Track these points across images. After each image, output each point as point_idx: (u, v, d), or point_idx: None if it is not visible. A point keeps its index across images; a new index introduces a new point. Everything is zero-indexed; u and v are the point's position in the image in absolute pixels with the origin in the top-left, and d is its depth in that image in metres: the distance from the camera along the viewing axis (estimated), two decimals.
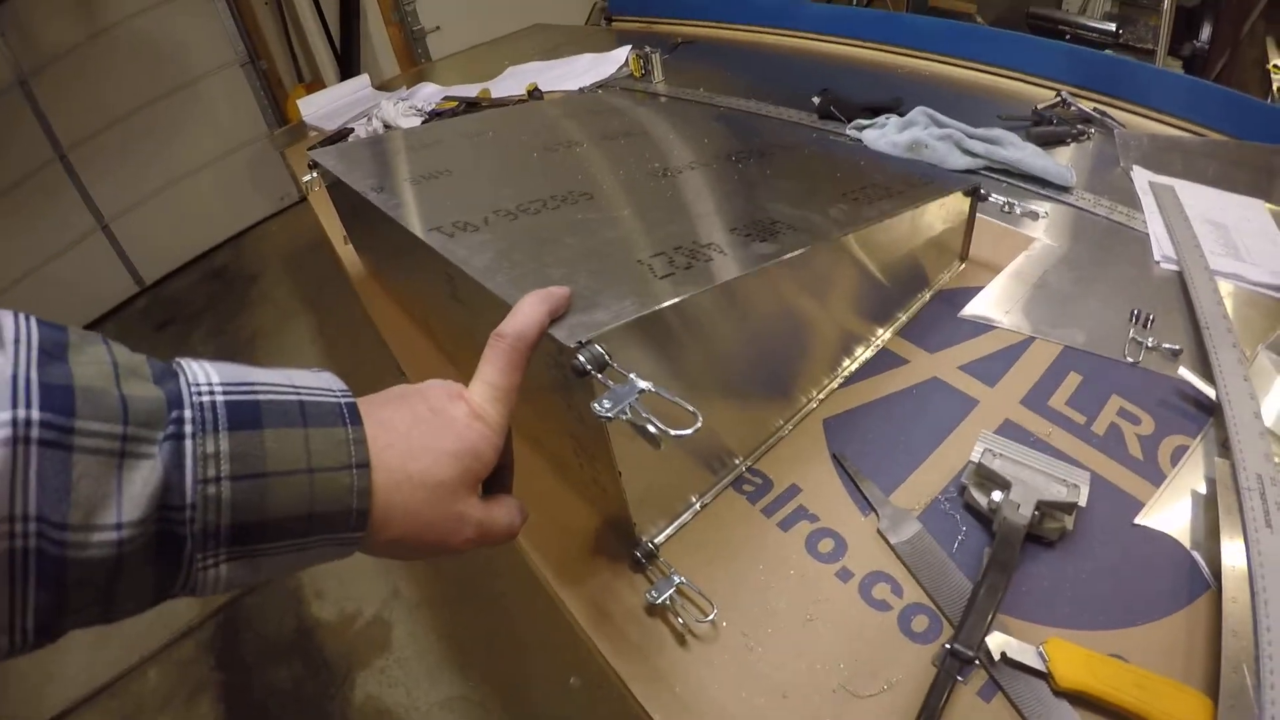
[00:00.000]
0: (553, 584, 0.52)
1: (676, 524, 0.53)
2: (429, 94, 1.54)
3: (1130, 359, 0.62)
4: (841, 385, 0.64)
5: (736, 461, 0.57)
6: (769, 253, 0.51)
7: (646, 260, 0.50)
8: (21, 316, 0.25)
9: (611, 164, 0.72)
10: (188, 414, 0.26)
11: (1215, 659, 0.41)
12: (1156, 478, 0.53)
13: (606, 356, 0.40)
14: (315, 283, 2.57)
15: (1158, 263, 0.74)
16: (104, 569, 0.24)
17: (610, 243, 0.54)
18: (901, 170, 0.75)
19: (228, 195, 2.88)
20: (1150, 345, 0.63)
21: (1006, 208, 0.74)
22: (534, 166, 0.73)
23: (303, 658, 1.42)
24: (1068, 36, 1.62)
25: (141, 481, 0.24)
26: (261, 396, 0.28)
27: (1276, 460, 0.49)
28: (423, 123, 1.34)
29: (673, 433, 0.37)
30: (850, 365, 0.65)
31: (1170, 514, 0.50)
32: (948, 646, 0.42)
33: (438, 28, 2.80)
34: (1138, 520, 0.50)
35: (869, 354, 0.66)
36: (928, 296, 0.73)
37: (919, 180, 0.70)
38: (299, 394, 0.29)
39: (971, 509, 0.52)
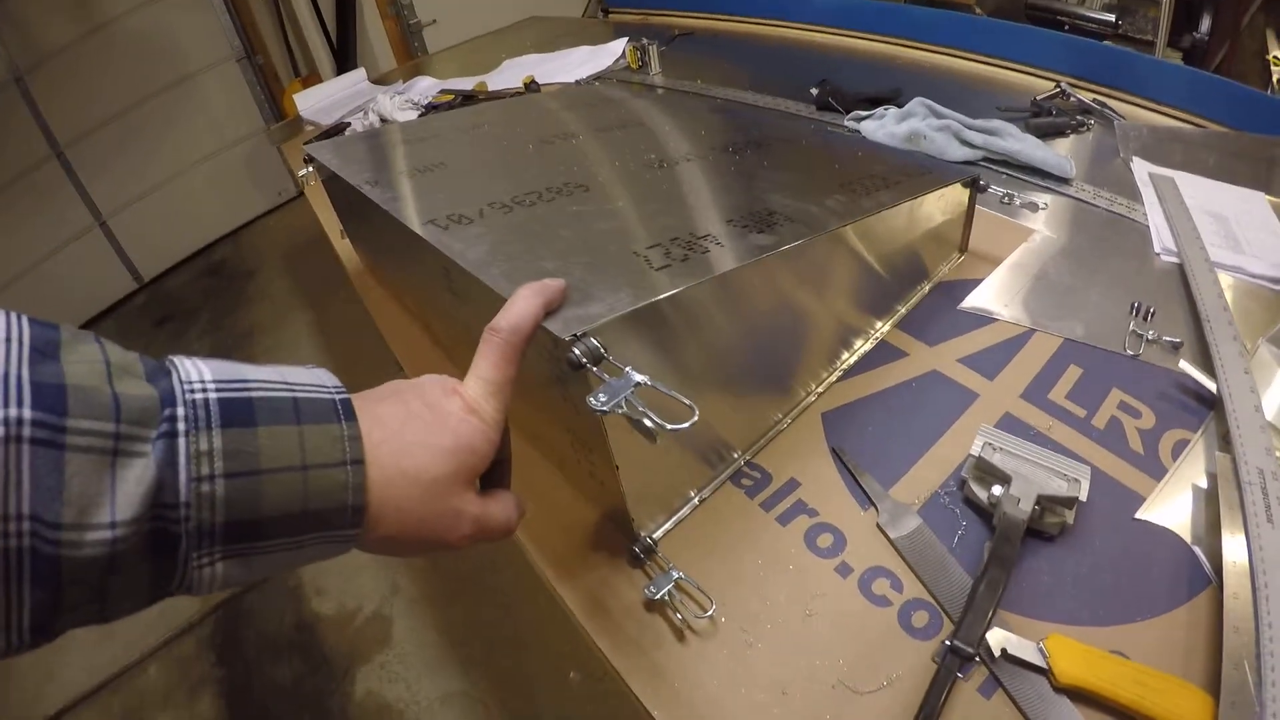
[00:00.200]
0: (551, 579, 0.52)
1: (675, 518, 0.53)
2: (425, 87, 1.53)
3: (1131, 352, 0.62)
4: (840, 378, 0.63)
5: (735, 455, 0.57)
6: (767, 244, 0.51)
7: (643, 252, 0.49)
8: (13, 315, 0.24)
9: (608, 156, 0.72)
10: (181, 411, 0.26)
11: (1216, 655, 0.40)
12: (1157, 472, 0.52)
13: (602, 350, 0.40)
14: (313, 278, 2.57)
15: (1158, 255, 0.73)
16: (98, 568, 0.24)
17: (606, 234, 0.53)
18: (900, 161, 0.74)
19: (225, 191, 2.87)
20: (1151, 338, 0.63)
21: (1006, 199, 0.73)
22: (530, 159, 0.73)
23: (303, 653, 1.42)
24: (1066, 27, 1.61)
25: (135, 480, 0.24)
26: (255, 393, 0.28)
27: (1278, 454, 0.48)
28: (419, 116, 1.33)
29: (669, 427, 0.37)
30: (849, 358, 0.65)
31: (1171, 508, 0.50)
32: (948, 643, 0.42)
33: (434, 21, 2.79)
34: (1138, 515, 0.50)
35: (868, 347, 0.66)
36: (927, 288, 0.73)
37: (918, 171, 0.70)
38: (293, 390, 0.29)
39: (971, 503, 0.51)
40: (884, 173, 0.68)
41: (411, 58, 2.75)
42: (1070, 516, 0.48)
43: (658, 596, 0.47)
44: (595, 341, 0.39)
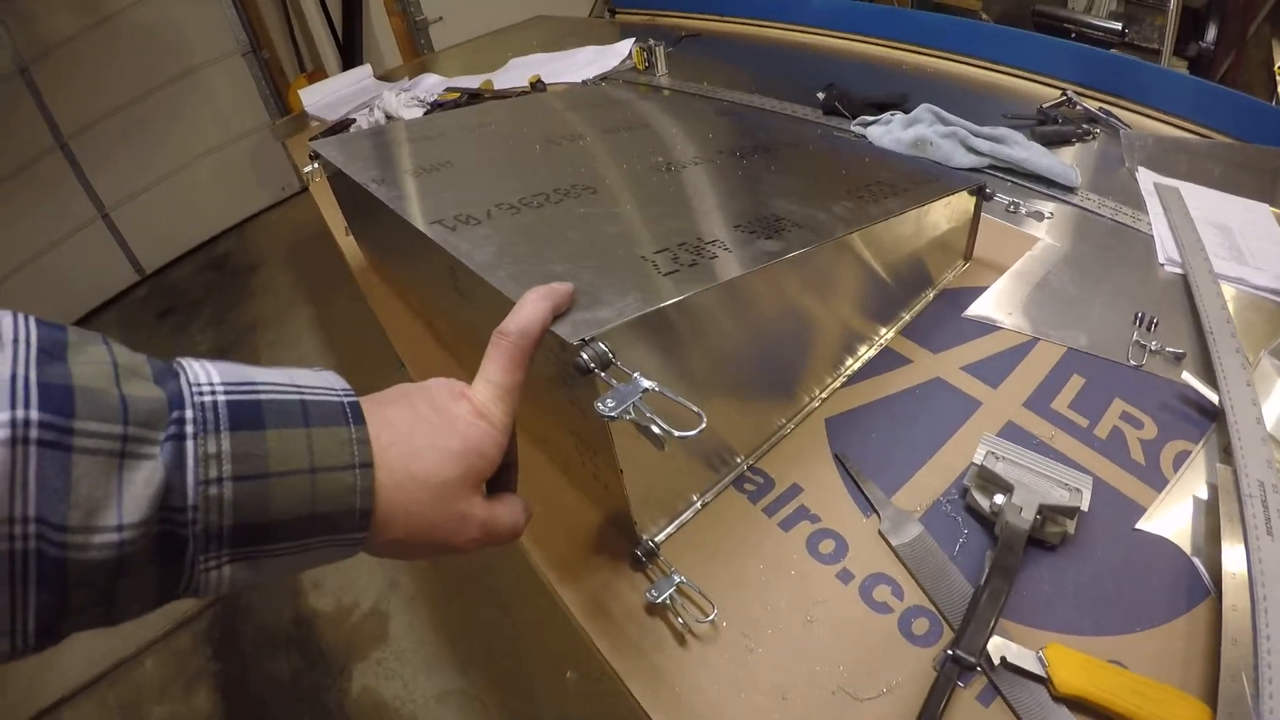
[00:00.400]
0: (552, 580, 0.52)
1: (677, 522, 0.53)
2: (431, 85, 1.53)
3: (1133, 362, 0.62)
4: (844, 384, 0.63)
5: (738, 460, 0.57)
6: (774, 250, 0.51)
7: (650, 257, 0.49)
8: (20, 316, 0.24)
9: (615, 158, 0.72)
10: (189, 414, 0.26)
11: (1214, 666, 0.41)
12: (1158, 483, 0.52)
13: (610, 354, 0.40)
14: (316, 274, 2.57)
15: (1162, 265, 0.74)
16: (105, 570, 0.24)
17: (613, 238, 0.53)
18: (907, 168, 0.74)
19: (229, 185, 2.87)
20: (1154, 349, 0.63)
21: (1012, 207, 0.73)
22: (536, 159, 0.73)
23: (300, 649, 1.42)
24: (1073, 35, 1.61)
25: (142, 482, 0.24)
26: (263, 396, 0.28)
27: (1278, 467, 0.49)
28: (425, 114, 1.33)
29: (677, 434, 0.37)
30: (853, 364, 0.65)
31: (1171, 519, 0.50)
32: (949, 652, 0.42)
33: (440, 18, 2.79)
34: (1139, 525, 0.50)
35: (872, 353, 0.66)
36: (931, 296, 0.73)
37: (924, 178, 0.70)
38: (301, 393, 0.29)
39: (973, 511, 0.51)
40: (891, 179, 0.68)
41: (417, 55, 2.76)
42: (1071, 526, 0.48)
43: (659, 600, 0.47)
44: (603, 346, 0.40)
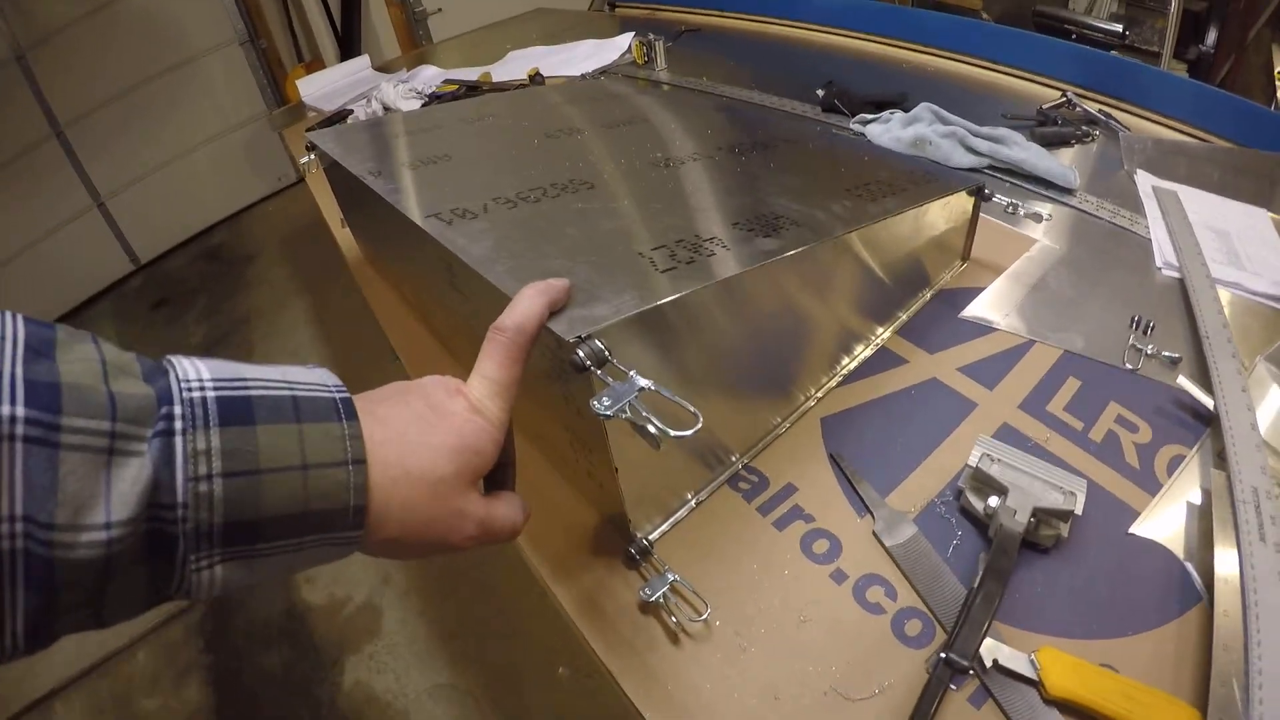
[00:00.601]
0: (546, 577, 0.52)
1: (671, 521, 0.53)
2: (429, 76, 1.52)
3: (1129, 366, 0.62)
4: (840, 384, 0.63)
5: (733, 459, 0.57)
6: (771, 249, 0.51)
7: (647, 253, 0.49)
8: (8, 314, 0.24)
9: (613, 153, 0.72)
10: (178, 410, 0.25)
11: (1205, 671, 0.41)
12: (1152, 487, 0.53)
13: (606, 352, 0.39)
14: (312, 265, 2.56)
15: (1159, 269, 0.74)
16: (93, 570, 0.23)
17: (611, 234, 0.53)
18: (905, 167, 0.74)
19: (225, 175, 2.85)
20: (1150, 353, 0.63)
21: (1010, 208, 0.73)
22: (534, 153, 0.72)
23: (292, 642, 1.42)
24: (1074, 36, 1.61)
25: (130, 480, 0.24)
26: (254, 392, 0.28)
27: (1272, 473, 0.49)
28: (422, 105, 1.32)
29: (673, 433, 0.37)
30: (849, 364, 0.65)
31: (1165, 524, 0.50)
32: (942, 655, 0.42)
33: (439, 9, 2.77)
34: (1132, 529, 0.50)
35: (868, 353, 0.66)
36: (928, 296, 0.73)
37: (923, 178, 0.70)
38: (292, 389, 0.29)
39: (967, 513, 0.51)
40: (890, 178, 0.68)
41: (416, 46, 2.74)
42: (1065, 529, 0.48)
43: (653, 599, 0.47)
44: (600, 344, 0.39)
